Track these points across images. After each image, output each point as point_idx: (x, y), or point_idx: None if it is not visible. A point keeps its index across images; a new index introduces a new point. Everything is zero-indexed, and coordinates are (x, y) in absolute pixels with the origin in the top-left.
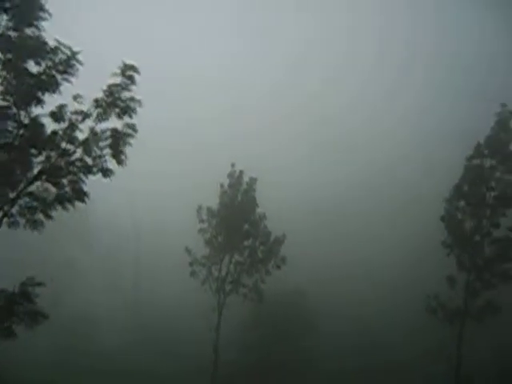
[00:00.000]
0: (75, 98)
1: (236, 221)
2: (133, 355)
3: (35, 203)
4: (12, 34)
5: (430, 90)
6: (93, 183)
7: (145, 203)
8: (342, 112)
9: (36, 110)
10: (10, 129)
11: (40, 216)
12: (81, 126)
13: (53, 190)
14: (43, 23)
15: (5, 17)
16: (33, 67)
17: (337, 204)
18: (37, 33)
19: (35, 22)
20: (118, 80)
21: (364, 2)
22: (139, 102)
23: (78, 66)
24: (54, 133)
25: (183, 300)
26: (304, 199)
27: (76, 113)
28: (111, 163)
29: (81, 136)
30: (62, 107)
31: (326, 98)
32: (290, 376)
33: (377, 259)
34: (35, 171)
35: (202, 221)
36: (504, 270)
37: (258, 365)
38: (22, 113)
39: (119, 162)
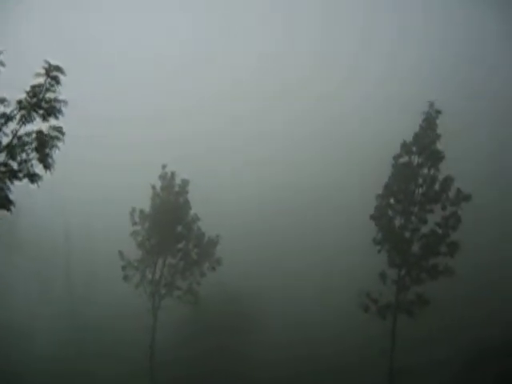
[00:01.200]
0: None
1: (168, 223)
2: (69, 357)
3: None
4: None
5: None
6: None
7: (77, 209)
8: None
9: None
10: None
11: None
12: (5, 129)
13: None
14: None
15: None
16: None
17: (278, 205)
18: None
19: None
20: (42, 80)
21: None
22: (65, 102)
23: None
24: None
25: (120, 304)
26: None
27: None
28: (38, 168)
29: (5, 140)
30: None
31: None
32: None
33: (314, 255)
34: None
35: (134, 223)
36: (432, 264)
37: (193, 367)
38: None
39: (46, 167)
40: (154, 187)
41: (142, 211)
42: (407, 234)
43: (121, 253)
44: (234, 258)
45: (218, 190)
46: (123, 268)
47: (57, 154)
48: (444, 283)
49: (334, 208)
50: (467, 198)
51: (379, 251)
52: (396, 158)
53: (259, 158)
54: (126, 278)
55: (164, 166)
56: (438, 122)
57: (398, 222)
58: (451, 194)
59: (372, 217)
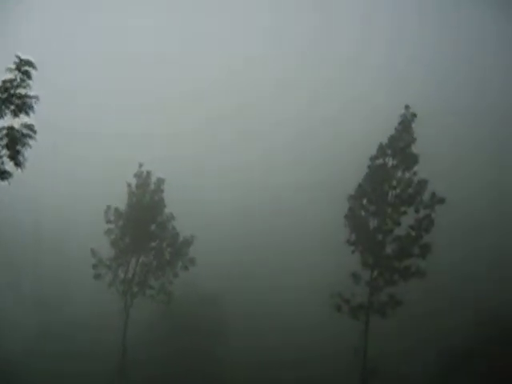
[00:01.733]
0: None
1: (143, 222)
2: (40, 355)
3: None
4: None
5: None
6: None
7: (50, 203)
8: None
9: None
10: None
11: None
12: None
13: None
14: None
15: None
16: None
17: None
18: None
19: None
20: (13, 76)
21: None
22: (36, 98)
23: None
24: None
25: (93, 302)
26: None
27: None
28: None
29: None
30: None
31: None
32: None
33: (289, 257)
34: None
35: (109, 221)
36: (405, 266)
37: (166, 366)
38: None
39: (17, 164)
40: (129, 185)
41: (116, 209)
42: (380, 236)
43: (93, 251)
44: (210, 259)
45: (201, 191)
46: (94, 266)
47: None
48: (416, 284)
49: (318, 209)
50: (441, 201)
51: (353, 252)
52: (372, 159)
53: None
54: (97, 276)
55: (141, 165)
56: (413, 125)
57: (371, 223)
58: (425, 196)
59: (346, 217)
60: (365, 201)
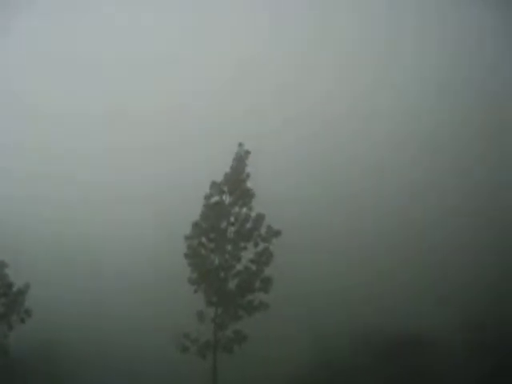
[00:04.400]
0: None
1: None
2: None
3: None
4: None
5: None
6: None
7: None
8: None
9: None
10: None
11: None
12: None
13: None
14: None
15: None
16: None
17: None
18: None
19: None
20: None
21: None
22: None
23: None
24: None
25: None
26: None
27: None
28: None
29: None
30: None
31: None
32: None
33: (134, 298)
34: None
35: None
36: (248, 301)
37: None
38: None
39: None
40: None
41: None
42: (222, 272)
43: None
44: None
45: None
46: None
47: None
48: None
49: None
50: (277, 233)
51: (195, 291)
52: (207, 197)
53: None
54: None
55: None
56: (247, 161)
57: (212, 260)
58: (263, 230)
59: (186, 256)
60: (203, 239)
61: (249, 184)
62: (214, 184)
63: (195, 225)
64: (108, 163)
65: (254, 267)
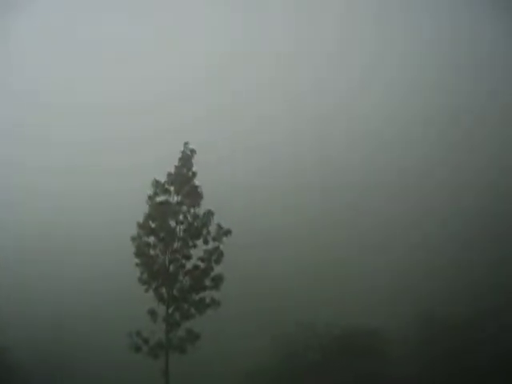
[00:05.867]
0: None
1: None
2: None
3: None
4: None
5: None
6: None
7: None
8: None
9: None
10: None
11: None
12: None
13: None
14: None
15: None
16: None
17: None
18: None
19: None
20: None
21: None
22: None
23: None
24: None
25: None
26: None
27: None
28: None
29: None
30: None
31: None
32: None
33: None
34: None
35: None
36: (200, 299)
37: None
38: None
39: None
40: None
41: None
42: (173, 271)
43: None
44: None
45: None
46: None
47: None
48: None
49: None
50: (227, 232)
51: (146, 290)
52: (152, 197)
53: None
54: None
55: None
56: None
57: (162, 259)
58: (212, 228)
59: (136, 255)
60: (152, 238)
61: (196, 182)
62: (158, 183)
63: (141, 225)
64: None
65: (204, 265)
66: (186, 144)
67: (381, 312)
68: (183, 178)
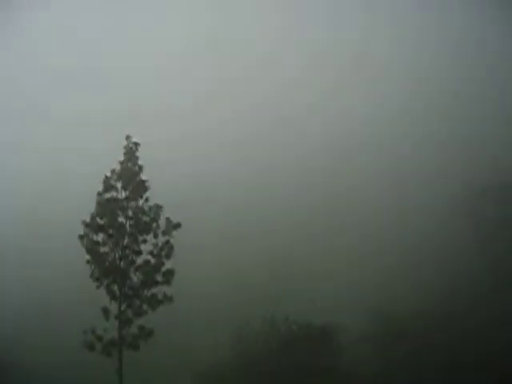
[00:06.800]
0: None
1: None
2: None
3: None
4: None
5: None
6: None
7: None
8: None
9: None
10: None
11: None
12: None
13: None
14: None
15: None
16: None
17: None
18: None
19: None
20: None
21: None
22: None
23: None
24: None
25: None
26: None
27: None
28: None
29: None
30: None
31: None
32: None
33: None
34: None
35: None
36: (152, 294)
37: None
38: None
39: None
40: None
41: None
42: (124, 267)
43: None
44: None
45: None
46: None
47: None
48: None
49: None
50: (177, 226)
51: (98, 287)
52: (100, 194)
53: None
54: None
55: None
56: (137, 154)
57: (113, 256)
58: (162, 222)
59: (87, 251)
60: (102, 236)
61: (143, 176)
62: (106, 179)
63: (87, 225)
64: None
65: (154, 260)
66: (128, 137)
67: (341, 310)
68: (129, 173)
